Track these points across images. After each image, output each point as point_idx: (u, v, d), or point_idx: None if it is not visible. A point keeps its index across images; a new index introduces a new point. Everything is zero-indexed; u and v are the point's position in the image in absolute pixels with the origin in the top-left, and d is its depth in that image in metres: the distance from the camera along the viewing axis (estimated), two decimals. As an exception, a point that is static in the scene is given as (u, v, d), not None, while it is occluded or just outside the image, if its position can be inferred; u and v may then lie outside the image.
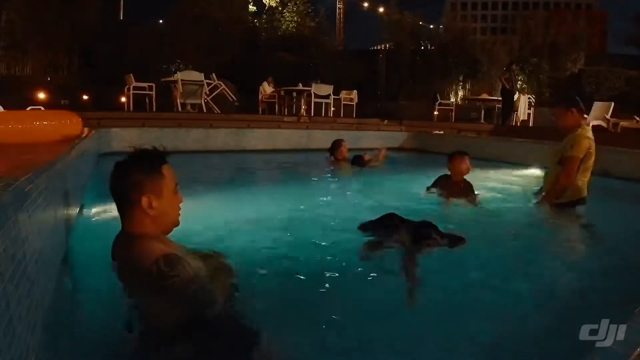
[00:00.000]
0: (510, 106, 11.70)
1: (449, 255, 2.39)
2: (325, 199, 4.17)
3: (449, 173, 3.90)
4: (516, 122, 12.06)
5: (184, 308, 1.31)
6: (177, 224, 1.49)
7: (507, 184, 5.23)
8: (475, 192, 3.87)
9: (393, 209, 2.77)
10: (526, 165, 6.31)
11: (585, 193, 3.44)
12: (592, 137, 3.40)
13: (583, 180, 3.39)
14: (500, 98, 12.31)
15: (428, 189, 3.98)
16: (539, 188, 3.83)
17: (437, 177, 4.03)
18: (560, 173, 3.38)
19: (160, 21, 23.19)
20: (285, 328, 1.58)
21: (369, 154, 5.78)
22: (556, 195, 3.44)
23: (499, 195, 4.38)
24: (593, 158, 3.40)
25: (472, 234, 2.72)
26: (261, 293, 1.89)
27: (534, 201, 3.70)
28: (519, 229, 3.36)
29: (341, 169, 5.57)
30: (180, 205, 1.50)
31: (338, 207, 3.75)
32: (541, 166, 6.30)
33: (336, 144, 5.63)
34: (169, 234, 1.51)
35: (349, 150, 5.68)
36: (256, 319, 1.49)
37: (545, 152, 6.68)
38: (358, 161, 5.58)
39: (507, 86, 11.38)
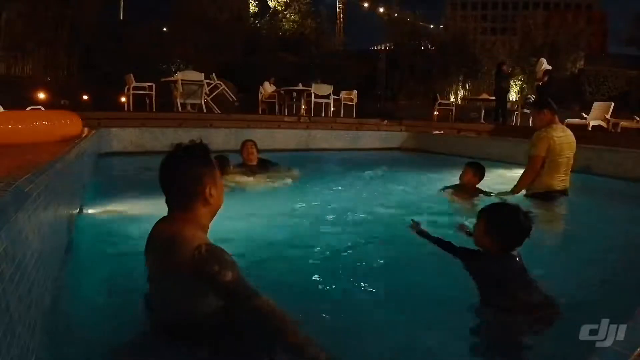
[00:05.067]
0: (504, 105, 11.67)
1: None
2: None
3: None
4: (516, 122, 12.06)
5: (216, 301, 1.30)
6: (220, 209, 1.55)
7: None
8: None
9: None
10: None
11: (555, 187, 3.67)
12: (556, 136, 3.61)
13: (551, 174, 3.64)
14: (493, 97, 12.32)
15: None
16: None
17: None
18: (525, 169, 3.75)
19: (161, 25, 23.17)
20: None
21: None
22: (518, 188, 3.75)
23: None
24: (564, 155, 3.63)
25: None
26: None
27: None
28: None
29: (242, 173, 4.45)
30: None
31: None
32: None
33: (241, 145, 4.71)
34: None
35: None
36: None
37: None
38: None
39: (498, 84, 11.37)
